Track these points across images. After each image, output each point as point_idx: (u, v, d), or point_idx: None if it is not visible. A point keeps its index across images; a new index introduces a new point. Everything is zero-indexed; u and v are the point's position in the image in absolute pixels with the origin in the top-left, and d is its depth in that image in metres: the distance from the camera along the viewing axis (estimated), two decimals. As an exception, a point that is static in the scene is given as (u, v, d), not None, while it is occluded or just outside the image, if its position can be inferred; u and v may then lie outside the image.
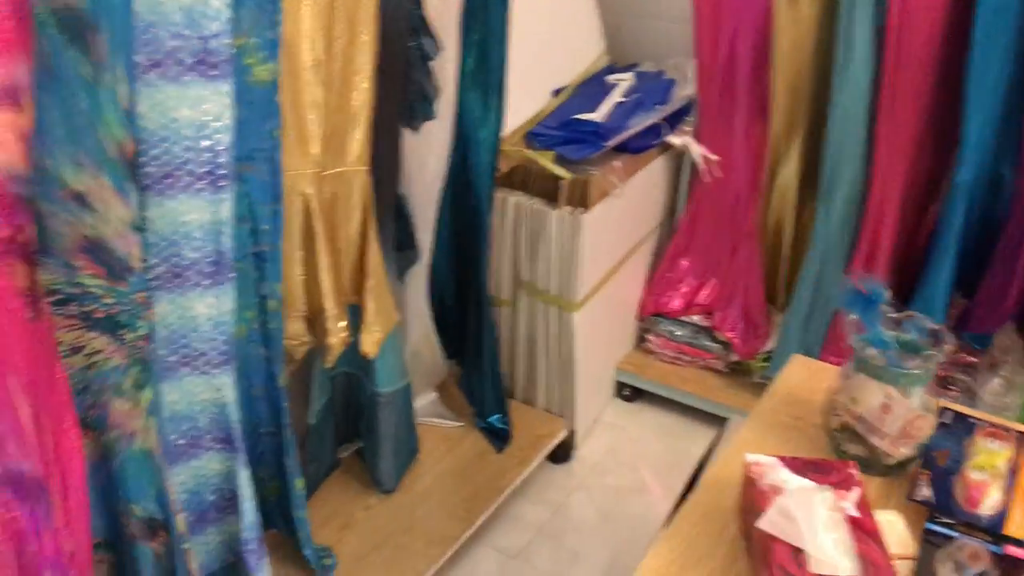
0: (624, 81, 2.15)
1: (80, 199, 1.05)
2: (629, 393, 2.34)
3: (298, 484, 1.58)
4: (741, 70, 2.04)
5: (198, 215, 1.21)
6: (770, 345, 2.18)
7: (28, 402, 1.03)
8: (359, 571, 1.66)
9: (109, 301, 1.14)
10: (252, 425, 1.53)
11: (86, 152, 1.03)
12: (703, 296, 2.27)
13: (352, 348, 1.63)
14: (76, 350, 1.16)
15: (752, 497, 0.99)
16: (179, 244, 1.22)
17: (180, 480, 1.38)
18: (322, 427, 1.76)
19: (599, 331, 2.14)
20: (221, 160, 1.19)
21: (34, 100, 0.93)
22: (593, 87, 2.16)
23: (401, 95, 1.58)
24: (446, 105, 1.69)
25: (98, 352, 1.18)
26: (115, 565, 1.36)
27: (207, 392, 1.35)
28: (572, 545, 1.91)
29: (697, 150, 2.11)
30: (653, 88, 2.15)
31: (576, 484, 2.08)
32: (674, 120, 2.13)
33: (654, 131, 2.08)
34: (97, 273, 1.12)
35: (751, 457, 1.02)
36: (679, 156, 2.23)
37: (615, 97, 2.08)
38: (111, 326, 1.16)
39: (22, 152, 0.93)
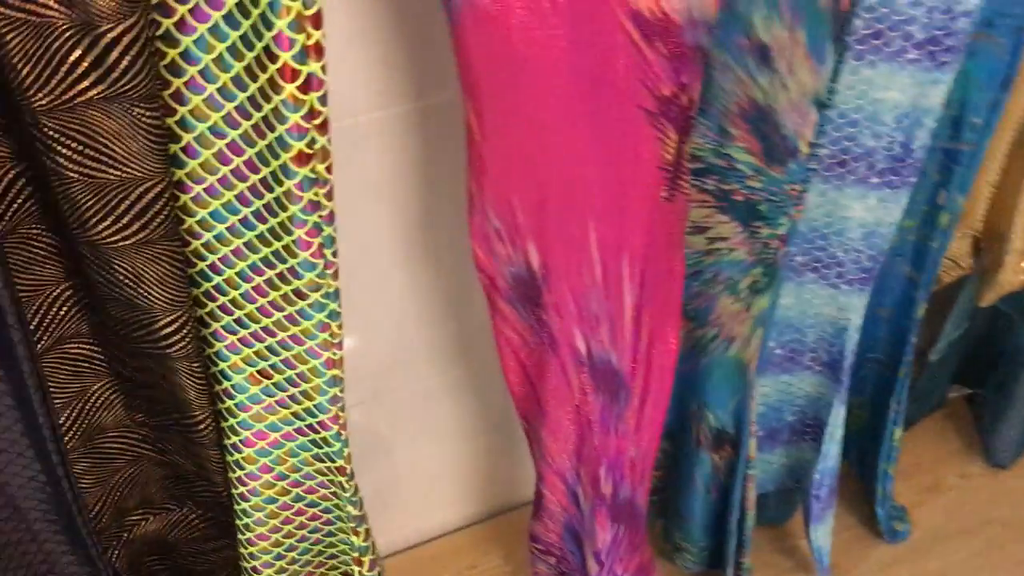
0: None
1: (763, 54, 0.79)
2: None
3: (896, 434, 1.27)
4: None
5: (898, 94, 0.88)
6: None
7: (635, 291, 0.85)
8: (934, 553, 1.33)
9: (755, 185, 0.89)
10: (862, 346, 1.23)
11: (788, -6, 0.75)
12: None
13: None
14: (699, 230, 0.95)
15: None
16: (859, 125, 0.91)
17: (763, 392, 1.16)
18: (943, 365, 1.39)
19: None
20: (956, 25, 0.83)
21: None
22: None
23: None
24: None
25: (723, 239, 0.95)
26: (671, 457, 1.21)
27: (827, 308, 1.07)
28: None
29: None
30: None
31: None
32: None
33: None
34: (751, 148, 0.87)
35: None
36: None
37: None
38: (748, 214, 0.92)
39: (715, -10, 0.68)
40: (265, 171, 0.65)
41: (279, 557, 0.94)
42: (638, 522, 1.01)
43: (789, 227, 0.91)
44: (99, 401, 0.84)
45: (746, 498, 1.16)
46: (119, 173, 0.63)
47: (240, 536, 0.93)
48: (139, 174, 0.64)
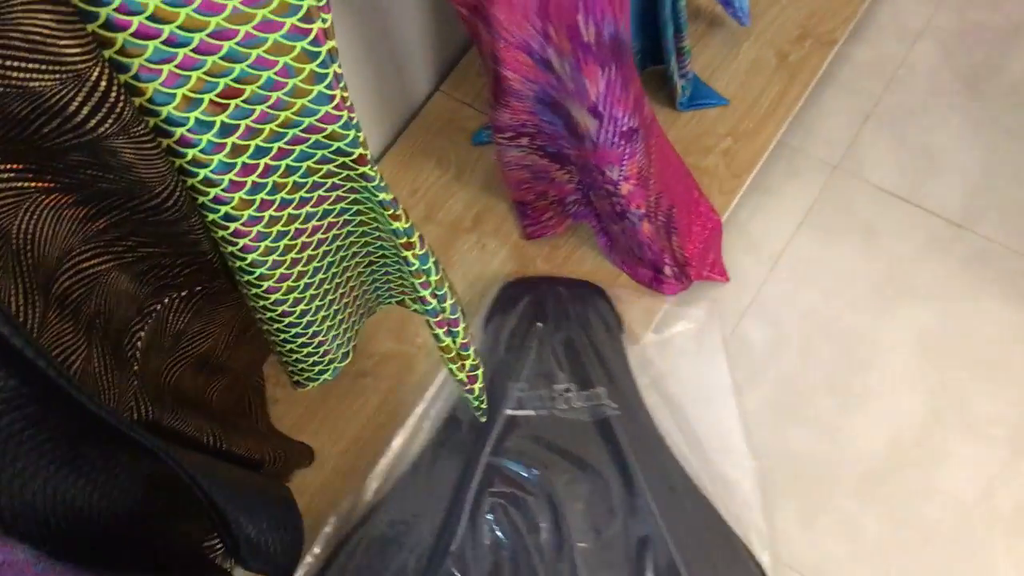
0: None
1: None
2: None
3: None
4: None
5: None
6: None
7: None
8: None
9: None
10: None
11: None
12: None
13: None
14: None
15: None
16: None
17: None
18: None
19: None
20: None
21: None
22: None
23: None
24: None
25: None
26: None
27: None
28: None
29: None
30: None
31: None
32: None
33: None
34: None
35: None
36: None
37: None
38: None
39: None
40: None
41: (306, 288, 0.78)
42: (626, 56, 0.89)
43: None
44: (33, 231, 0.58)
45: (677, -23, 1.05)
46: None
47: (252, 292, 0.75)
48: None
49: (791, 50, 1.24)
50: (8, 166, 0.54)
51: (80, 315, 0.65)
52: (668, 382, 1.11)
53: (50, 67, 0.48)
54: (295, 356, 0.86)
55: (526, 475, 1.01)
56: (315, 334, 0.83)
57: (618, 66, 0.89)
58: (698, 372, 1.12)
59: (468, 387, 0.90)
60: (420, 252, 0.76)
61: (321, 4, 0.53)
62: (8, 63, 0.47)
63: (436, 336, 0.83)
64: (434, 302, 0.80)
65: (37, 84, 0.49)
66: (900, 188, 1.25)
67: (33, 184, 0.56)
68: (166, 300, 0.75)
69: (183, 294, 0.76)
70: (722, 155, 1.19)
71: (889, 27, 1.35)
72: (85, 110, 0.52)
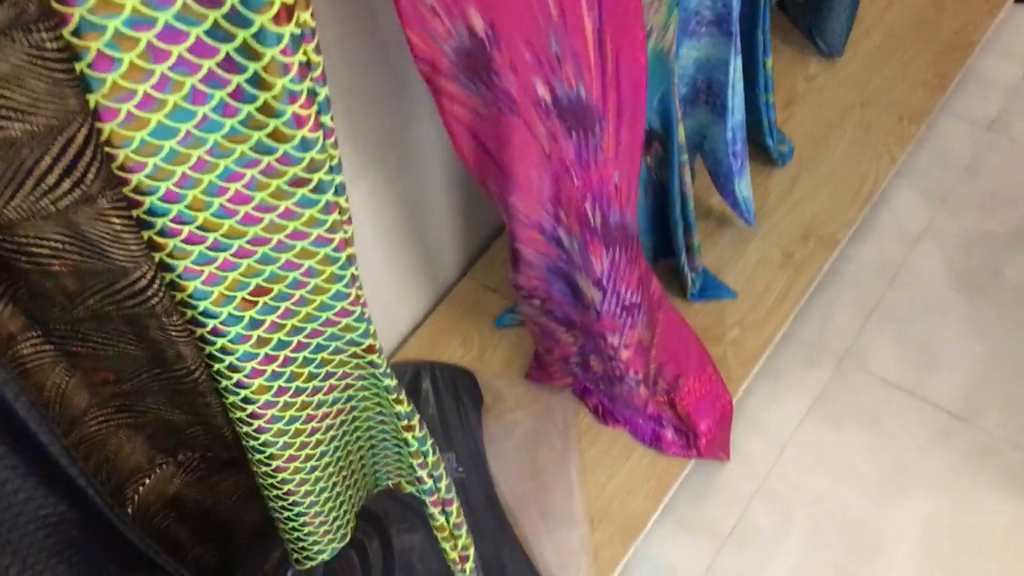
0: None
1: None
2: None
3: (768, 64, 1.28)
4: None
5: None
6: None
7: (594, 14, 0.75)
8: (820, 155, 1.41)
9: None
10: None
11: None
12: None
13: None
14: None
15: None
16: None
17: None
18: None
19: None
20: None
21: None
22: None
23: None
24: None
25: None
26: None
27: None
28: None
29: None
30: None
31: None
32: None
33: None
34: None
35: None
36: None
37: None
38: None
39: None
40: (226, 48, 0.47)
41: (312, 470, 0.84)
42: (631, 241, 0.97)
43: None
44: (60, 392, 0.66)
45: (684, 183, 1.15)
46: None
47: (261, 469, 0.81)
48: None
49: (796, 249, 1.33)
50: (35, 333, 0.62)
51: (88, 464, 0.72)
52: (515, 454, 1.20)
53: (103, 260, 0.57)
54: (296, 534, 0.91)
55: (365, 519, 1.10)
56: (317, 514, 0.89)
57: (623, 248, 0.97)
58: (547, 447, 1.20)
59: (460, 567, 0.94)
60: (419, 434, 0.82)
61: (344, 219, 0.62)
62: (72, 250, 0.56)
63: (431, 515, 0.89)
64: (430, 482, 0.86)
65: (90, 267, 0.58)
66: (904, 381, 1.29)
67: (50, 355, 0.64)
68: (179, 457, 0.82)
69: (198, 455, 0.82)
70: (730, 345, 1.26)
71: (890, 230, 1.43)
72: (124, 293, 0.60)
